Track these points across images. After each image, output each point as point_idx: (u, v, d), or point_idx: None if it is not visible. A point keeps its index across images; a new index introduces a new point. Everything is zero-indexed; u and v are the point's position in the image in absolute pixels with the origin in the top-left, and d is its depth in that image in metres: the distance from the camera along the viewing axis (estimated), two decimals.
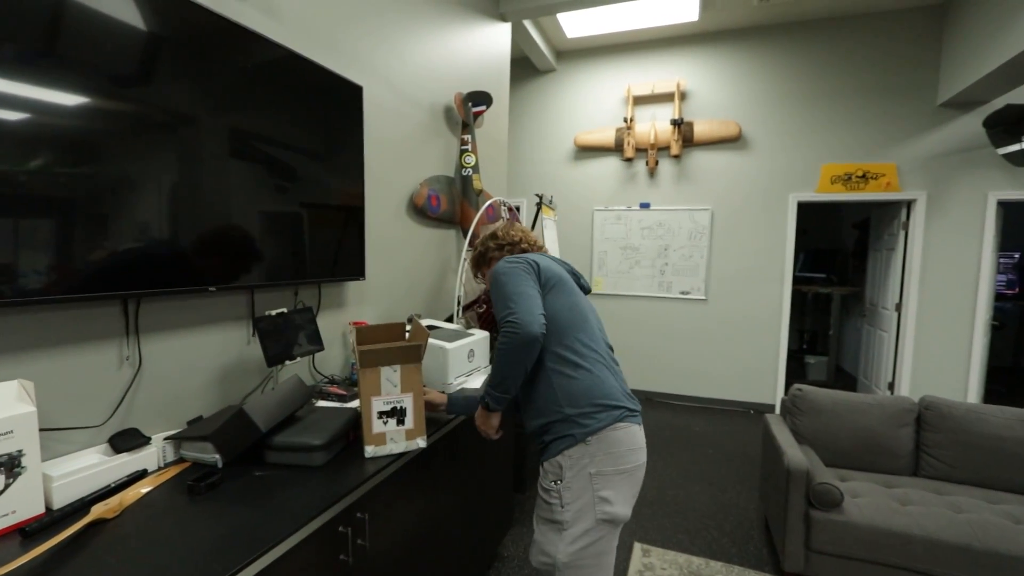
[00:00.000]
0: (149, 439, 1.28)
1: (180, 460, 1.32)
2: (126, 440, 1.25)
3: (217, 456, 1.24)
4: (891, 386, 4.36)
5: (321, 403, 1.71)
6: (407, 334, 1.56)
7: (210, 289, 1.39)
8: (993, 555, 1.74)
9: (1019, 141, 3.50)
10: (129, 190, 1.21)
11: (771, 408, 4.56)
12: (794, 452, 2.08)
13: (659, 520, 2.67)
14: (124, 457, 1.21)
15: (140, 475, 1.21)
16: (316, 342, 1.77)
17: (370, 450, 1.33)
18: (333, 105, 1.87)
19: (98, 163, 1.15)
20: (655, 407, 4.68)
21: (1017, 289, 5.69)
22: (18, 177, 1.03)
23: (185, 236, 1.35)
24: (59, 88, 1.09)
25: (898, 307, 4.30)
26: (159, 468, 1.28)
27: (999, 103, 3.67)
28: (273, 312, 1.61)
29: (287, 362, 1.62)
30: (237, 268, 1.50)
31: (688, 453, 3.58)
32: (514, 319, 1.25)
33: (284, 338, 1.62)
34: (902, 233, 4.25)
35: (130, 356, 1.29)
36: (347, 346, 2.11)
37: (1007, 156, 3.64)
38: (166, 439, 1.27)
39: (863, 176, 4.21)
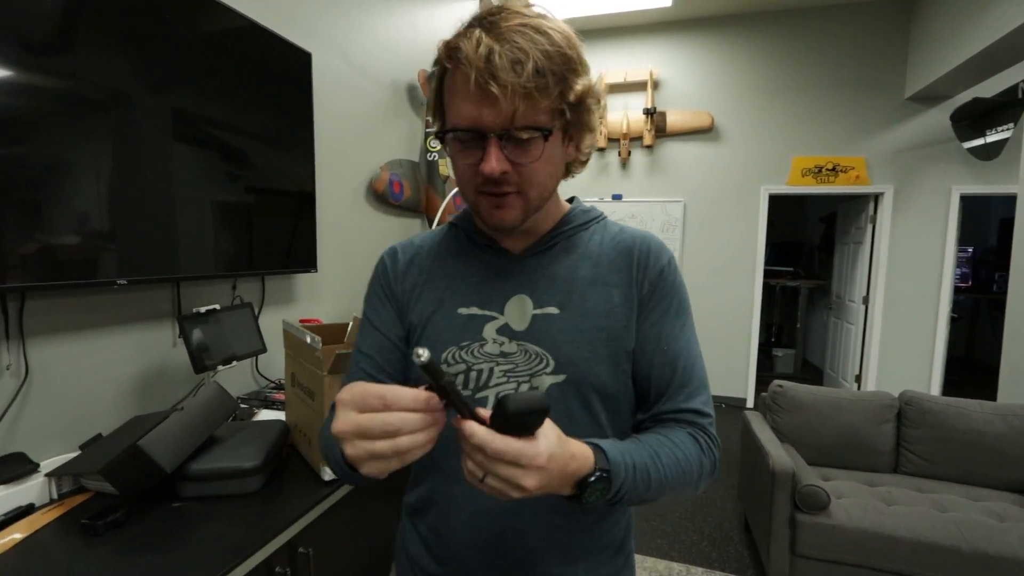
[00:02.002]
0: (38, 466, 1.05)
1: (81, 489, 1.09)
2: (6, 468, 1.01)
3: None
4: (858, 379, 4.40)
5: (264, 413, 1.49)
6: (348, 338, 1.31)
7: (119, 282, 1.16)
8: (981, 556, 1.68)
9: (984, 135, 3.54)
10: (17, 165, 0.97)
11: (743, 402, 4.54)
12: (779, 453, 1.98)
13: (637, 523, 2.53)
14: (2, 491, 0.97)
15: (24, 512, 0.98)
16: (257, 343, 1.55)
17: (330, 472, 1.13)
18: (276, 73, 1.64)
19: None
20: None
21: (970, 282, 5.88)
22: None
23: (84, 218, 1.11)
24: None
25: (865, 300, 4.34)
26: (51, 501, 1.04)
27: (965, 97, 3.71)
28: (203, 309, 1.38)
29: (221, 367, 1.39)
30: (155, 257, 1.27)
31: None
32: (713, 426, 0.66)
33: (217, 339, 1.40)
34: (869, 226, 4.27)
35: (12, 365, 1.05)
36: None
37: (972, 150, 3.68)
38: (47, 475, 1.03)
39: (833, 169, 4.21)
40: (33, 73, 1.01)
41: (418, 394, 0.43)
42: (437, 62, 0.59)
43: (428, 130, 2.66)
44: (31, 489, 1.01)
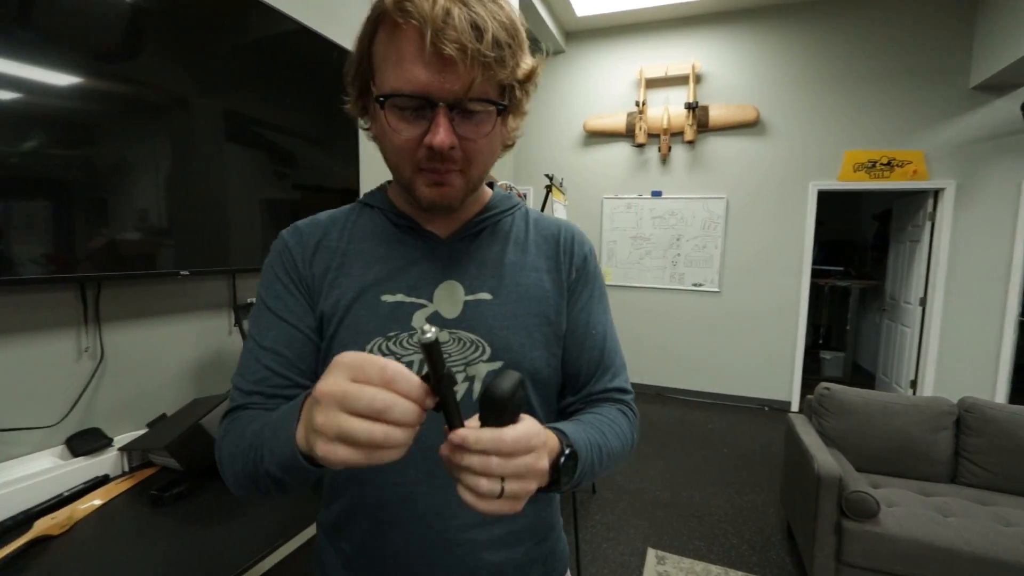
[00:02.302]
0: (111, 440, 1.14)
1: (148, 463, 1.18)
2: (85, 442, 1.10)
3: None
4: (913, 384, 4.17)
5: None
6: None
7: (181, 273, 1.24)
8: None
9: None
10: (90, 165, 1.06)
11: (787, 405, 4.39)
12: (824, 457, 1.91)
13: (674, 524, 2.52)
14: (81, 461, 1.07)
15: (100, 481, 1.07)
16: None
17: None
18: (323, 74, 1.71)
19: (63, 140, 1.00)
20: (666, 403, 4.53)
21: None
22: None
23: (147, 214, 1.19)
24: (38, 64, 0.96)
25: (922, 302, 4.10)
26: (123, 473, 1.13)
27: None
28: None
29: None
30: (212, 250, 1.35)
31: (702, 452, 3.43)
32: (634, 401, 0.72)
33: None
34: (928, 224, 4.04)
35: (90, 347, 1.14)
36: None
37: None
38: (120, 449, 1.12)
39: (888, 163, 4.00)
40: (102, 79, 1.09)
41: (420, 383, 0.38)
42: (378, 13, 0.51)
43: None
44: (106, 461, 1.11)
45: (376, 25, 0.52)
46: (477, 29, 0.47)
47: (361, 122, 0.63)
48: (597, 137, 4.80)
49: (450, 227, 0.64)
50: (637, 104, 4.53)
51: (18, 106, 0.95)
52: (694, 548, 2.32)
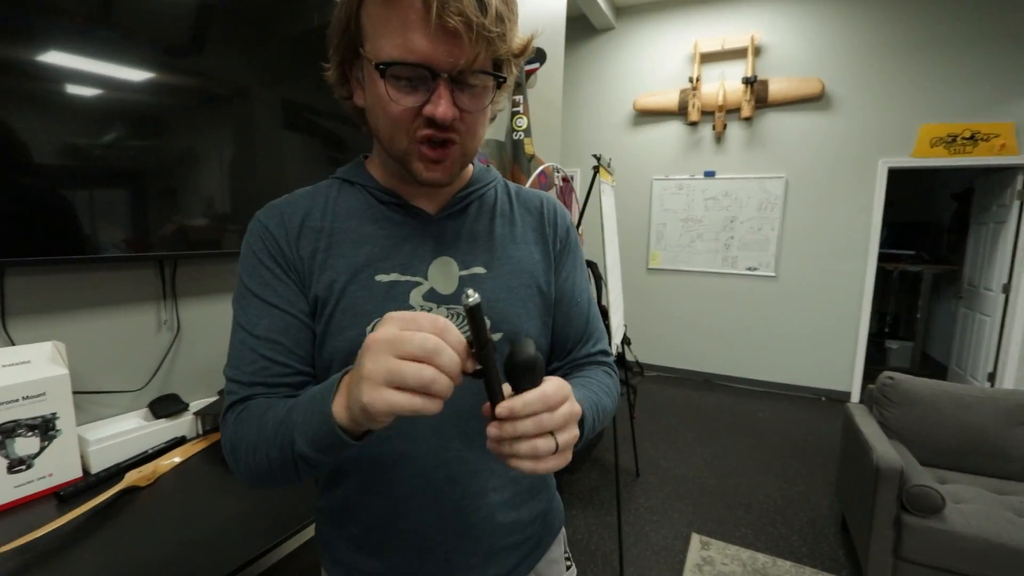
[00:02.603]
0: (187, 405, 1.25)
1: (218, 428, 1.28)
2: (165, 406, 1.22)
3: None
4: (991, 377, 3.87)
5: None
6: None
7: None
8: None
9: None
10: (163, 155, 1.15)
11: (846, 396, 4.18)
12: (884, 448, 1.82)
13: (719, 511, 2.48)
14: (162, 423, 1.18)
15: (178, 442, 1.18)
16: None
17: None
18: None
19: (146, 132, 1.09)
20: (715, 390, 4.42)
21: None
22: (77, 147, 0.98)
23: (218, 200, 1.28)
24: (118, 62, 1.05)
25: (1006, 288, 3.77)
26: (198, 435, 1.24)
27: None
28: None
29: None
30: None
31: (751, 440, 3.34)
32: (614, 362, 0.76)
33: None
34: (1016, 204, 3.68)
35: (168, 320, 1.25)
36: None
37: None
38: (195, 413, 1.23)
39: (971, 137, 3.67)
40: (172, 74, 1.16)
41: (465, 340, 0.39)
42: None
43: (514, 110, 2.69)
44: (183, 424, 1.21)
45: None
46: (481, 2, 0.47)
47: (340, 91, 0.61)
48: (647, 116, 4.66)
49: (437, 202, 0.63)
50: (691, 80, 4.35)
51: (100, 102, 1.04)
52: (740, 535, 2.28)
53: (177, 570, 0.76)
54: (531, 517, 0.68)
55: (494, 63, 0.52)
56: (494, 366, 0.40)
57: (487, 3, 0.47)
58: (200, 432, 1.25)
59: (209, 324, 1.35)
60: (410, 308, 0.58)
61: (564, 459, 0.44)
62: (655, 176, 4.68)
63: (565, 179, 2.94)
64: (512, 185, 0.72)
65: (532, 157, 2.71)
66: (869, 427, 2.04)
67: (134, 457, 1.07)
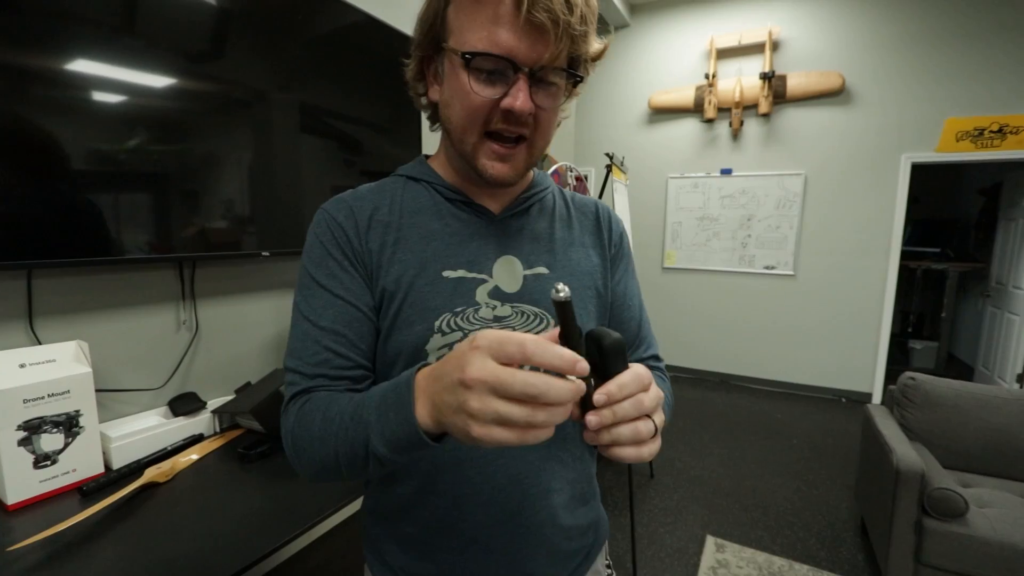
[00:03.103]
0: (205, 404, 1.28)
1: (236, 425, 1.31)
2: (184, 404, 1.25)
3: None
4: (1020, 378, 3.75)
5: None
6: None
7: (263, 254, 1.35)
8: None
9: None
10: (184, 159, 1.18)
11: (867, 397, 4.09)
12: (905, 450, 1.78)
13: (735, 513, 2.45)
14: (181, 421, 1.21)
15: (196, 439, 1.20)
16: None
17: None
18: (387, 62, 1.76)
19: (168, 137, 1.12)
20: (731, 390, 4.36)
21: None
22: (99, 151, 1.01)
23: (238, 203, 1.31)
24: (141, 69, 1.09)
25: None
26: (215, 433, 1.27)
27: None
28: None
29: None
30: (290, 234, 1.46)
31: (768, 442, 3.29)
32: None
33: None
34: None
35: (187, 320, 1.28)
36: None
37: None
38: (212, 412, 1.25)
39: (999, 131, 3.56)
40: (193, 79, 1.19)
41: (564, 352, 0.36)
42: None
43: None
44: (201, 422, 1.24)
45: None
46: (569, 2, 0.48)
47: (418, 87, 0.62)
48: (663, 113, 4.61)
49: (500, 202, 0.65)
50: (707, 76, 4.30)
51: (125, 107, 1.07)
52: (756, 538, 2.25)
53: (193, 564, 0.78)
54: (587, 523, 0.68)
55: (571, 64, 0.54)
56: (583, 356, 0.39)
57: (574, 3, 0.48)
58: (217, 430, 1.28)
59: (227, 324, 1.38)
60: (476, 304, 0.59)
61: (658, 443, 0.43)
62: (670, 174, 4.64)
63: (579, 178, 2.93)
64: (566, 191, 0.74)
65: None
66: (889, 429, 2.00)
67: (154, 454, 1.10)
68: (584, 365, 0.36)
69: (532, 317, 0.61)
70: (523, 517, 0.60)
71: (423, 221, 0.61)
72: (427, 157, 0.68)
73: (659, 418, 0.43)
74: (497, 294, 0.60)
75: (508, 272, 0.61)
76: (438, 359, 0.55)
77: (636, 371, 0.41)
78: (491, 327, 0.57)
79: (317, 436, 0.50)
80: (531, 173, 0.69)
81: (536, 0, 0.47)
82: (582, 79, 0.55)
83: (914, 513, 1.71)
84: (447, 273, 0.59)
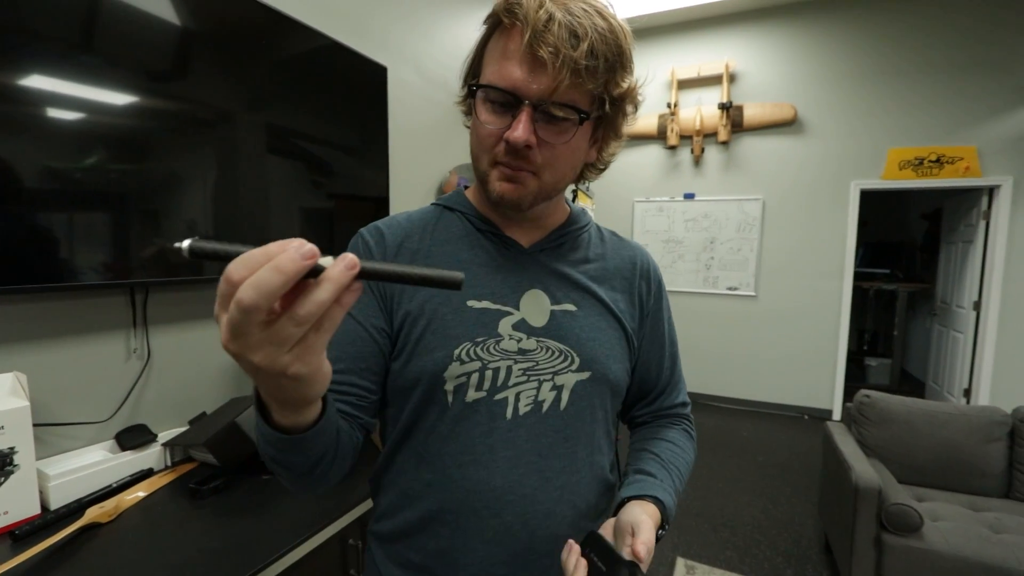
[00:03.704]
0: (156, 436, 1.22)
1: (189, 459, 1.25)
2: (132, 437, 1.18)
3: None
4: (967, 393, 3.94)
5: None
6: None
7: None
8: None
9: None
10: (143, 178, 1.14)
11: (828, 414, 4.22)
12: (863, 467, 1.84)
13: (704, 534, 2.47)
14: (128, 455, 1.14)
15: (145, 474, 1.14)
16: None
17: None
18: (356, 87, 1.77)
19: (119, 155, 1.08)
20: (699, 409, 4.42)
21: None
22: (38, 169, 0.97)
23: (200, 224, 1.27)
24: (100, 86, 1.06)
25: (976, 305, 3.88)
26: (166, 467, 1.21)
27: None
28: None
29: None
30: None
31: (735, 460, 3.34)
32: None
33: None
34: (982, 223, 3.81)
35: (138, 348, 1.23)
36: None
37: None
38: (163, 444, 1.19)
39: (937, 160, 3.81)
40: (154, 98, 1.17)
41: (280, 261, 0.28)
42: (491, 16, 0.54)
43: None
44: (151, 456, 1.18)
45: (492, 27, 0.55)
46: (575, 37, 0.49)
47: (465, 120, 0.64)
48: (628, 140, 4.73)
49: (531, 236, 0.65)
50: (669, 106, 4.47)
51: (82, 125, 1.04)
52: (726, 559, 2.27)
53: None
54: None
55: (590, 101, 0.54)
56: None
57: (581, 36, 0.49)
58: (168, 464, 1.22)
59: (181, 352, 1.32)
60: (498, 336, 0.59)
61: None
62: (636, 198, 4.76)
63: None
64: (605, 230, 0.74)
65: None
66: (848, 446, 2.06)
67: (96, 492, 1.03)
68: (310, 247, 0.29)
69: (556, 353, 0.61)
70: (526, 560, 0.59)
71: (453, 250, 0.63)
72: (466, 187, 0.70)
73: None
74: (523, 327, 0.61)
75: (536, 306, 0.62)
76: (456, 387, 0.57)
77: (648, 539, 0.49)
78: (515, 360, 0.59)
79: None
80: (566, 210, 0.70)
81: (539, 34, 0.49)
82: (587, 116, 0.53)
83: (873, 529, 1.75)
84: (472, 303, 0.60)
